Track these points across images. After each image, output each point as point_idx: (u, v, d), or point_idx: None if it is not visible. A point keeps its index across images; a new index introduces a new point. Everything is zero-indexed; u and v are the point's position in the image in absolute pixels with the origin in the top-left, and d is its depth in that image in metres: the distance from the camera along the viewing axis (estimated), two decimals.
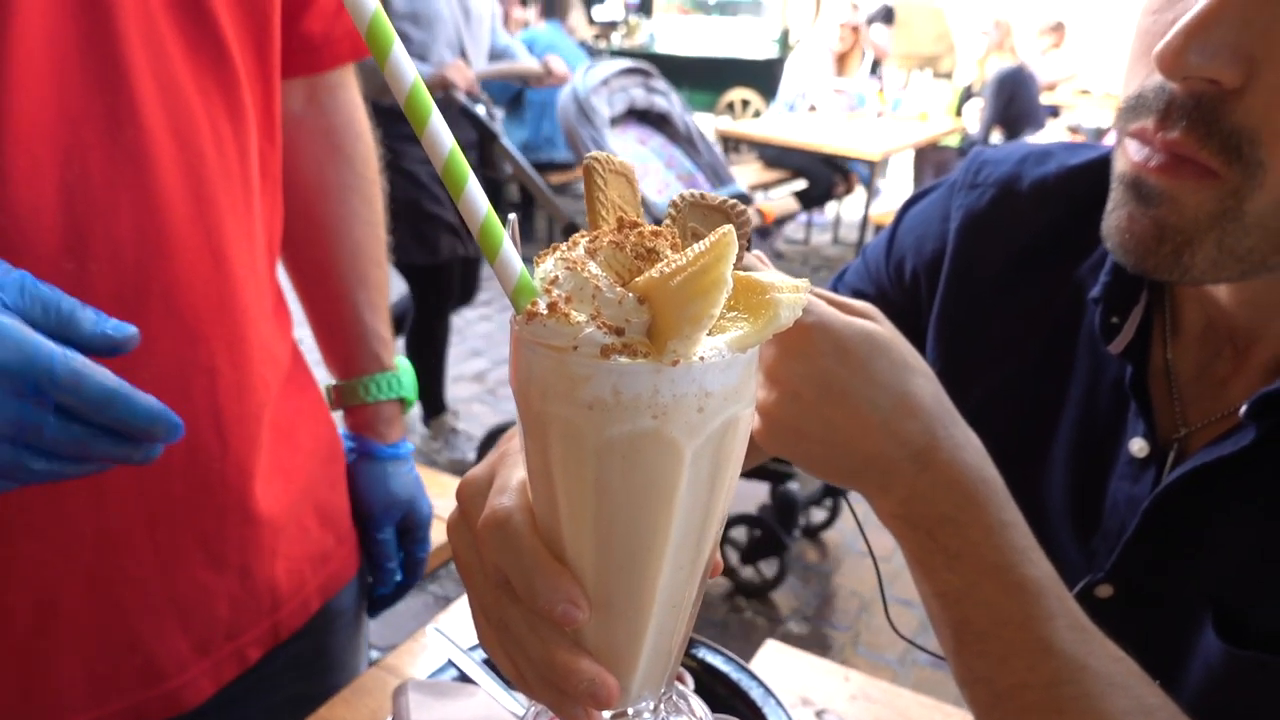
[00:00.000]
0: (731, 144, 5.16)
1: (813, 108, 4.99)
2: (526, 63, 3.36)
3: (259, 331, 0.69)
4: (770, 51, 7.60)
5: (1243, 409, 0.51)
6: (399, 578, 0.94)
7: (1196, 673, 0.54)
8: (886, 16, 5.80)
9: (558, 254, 0.35)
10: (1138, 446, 0.57)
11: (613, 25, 8.47)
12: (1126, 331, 0.56)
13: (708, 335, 0.32)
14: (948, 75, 6.60)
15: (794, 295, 0.33)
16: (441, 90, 2.71)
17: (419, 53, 2.72)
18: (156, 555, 0.65)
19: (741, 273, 0.33)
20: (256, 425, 0.71)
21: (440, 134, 0.33)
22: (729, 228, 0.30)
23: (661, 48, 8.18)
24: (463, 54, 2.82)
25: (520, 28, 5.06)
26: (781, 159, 4.78)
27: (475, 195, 0.35)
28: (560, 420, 0.33)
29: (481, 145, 2.98)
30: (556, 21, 4.89)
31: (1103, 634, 0.47)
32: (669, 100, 3.04)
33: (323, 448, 0.84)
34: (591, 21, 7.29)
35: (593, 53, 5.42)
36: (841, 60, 5.31)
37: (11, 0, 0.48)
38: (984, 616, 0.46)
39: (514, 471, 0.39)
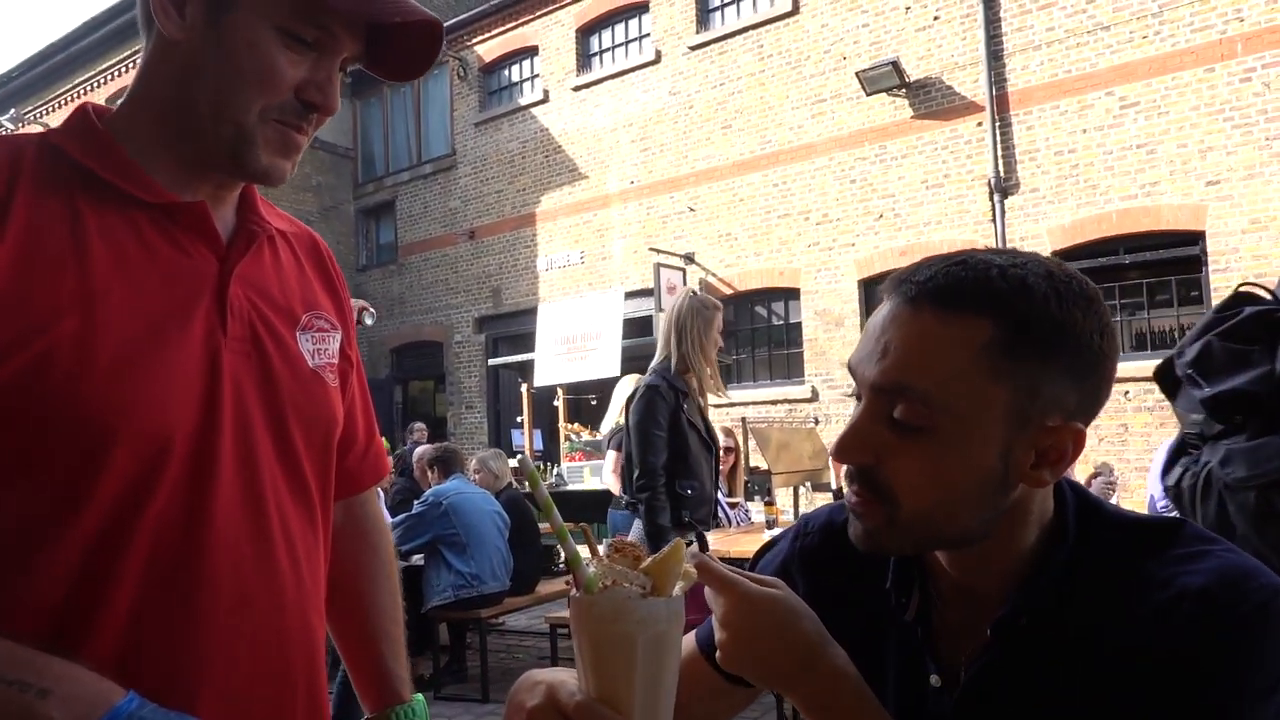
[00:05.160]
0: None
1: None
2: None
3: (320, 665, 0.99)
4: None
5: (988, 631, 0.81)
6: None
7: None
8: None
9: (600, 566, 0.73)
10: (934, 680, 0.86)
11: None
12: (911, 607, 0.88)
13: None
14: (826, 486, 7.41)
15: (692, 567, 0.74)
16: None
17: None
18: None
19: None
20: None
21: (570, 542, 0.74)
22: (680, 542, 0.72)
23: (569, 486, 9.01)
24: None
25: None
26: None
27: (572, 544, 0.74)
28: (623, 634, 0.70)
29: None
30: (459, 475, 5.46)
31: None
32: None
33: None
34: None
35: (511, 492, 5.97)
36: (730, 477, 6.00)
37: (214, 491, 0.86)
38: None
39: (555, 690, 0.72)
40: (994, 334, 0.74)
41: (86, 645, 0.78)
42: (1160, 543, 0.79)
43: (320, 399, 0.98)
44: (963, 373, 0.74)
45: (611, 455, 5.40)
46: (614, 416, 5.67)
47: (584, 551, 0.75)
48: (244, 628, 0.87)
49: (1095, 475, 4.26)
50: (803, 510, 6.79)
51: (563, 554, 0.77)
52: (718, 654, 0.82)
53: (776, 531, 5.27)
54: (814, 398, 10.11)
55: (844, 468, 0.84)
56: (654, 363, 3.41)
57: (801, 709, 0.81)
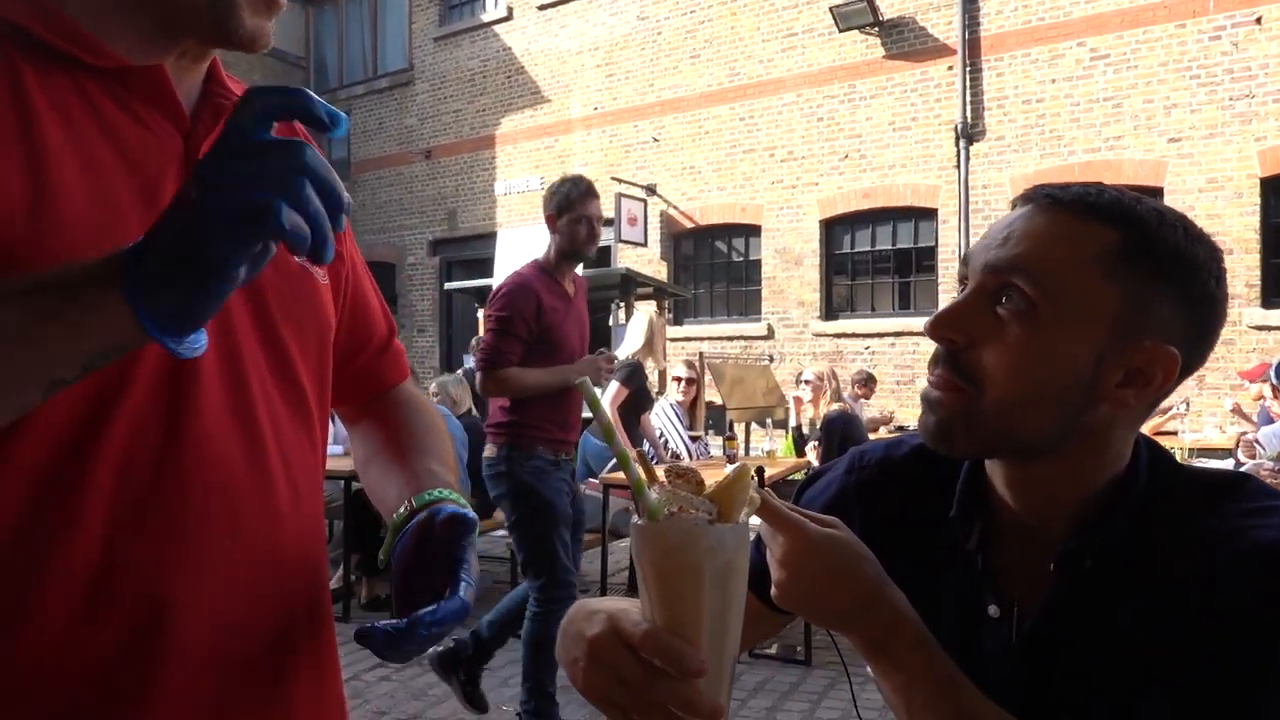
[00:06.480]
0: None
1: (675, 455, 5.59)
2: None
3: (322, 572, 0.92)
4: None
5: (1051, 565, 0.81)
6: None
7: None
8: None
9: (663, 492, 0.69)
10: (992, 610, 0.86)
11: None
12: (973, 537, 0.87)
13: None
14: (781, 422, 7.49)
15: (757, 493, 0.71)
16: None
17: None
18: None
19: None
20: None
21: (633, 467, 0.70)
22: (746, 467, 0.69)
23: None
24: None
25: None
26: None
27: (636, 469, 0.70)
28: (691, 563, 0.67)
29: None
30: None
31: (990, 700, 0.77)
32: None
33: None
34: None
35: None
36: (691, 410, 6.02)
37: (197, 397, 0.77)
38: (919, 697, 0.77)
39: (618, 620, 0.68)
40: (1118, 242, 0.76)
41: (51, 569, 0.70)
42: (1228, 496, 0.79)
43: (310, 297, 0.89)
44: (1080, 265, 0.76)
45: (614, 386, 5.21)
46: (628, 349, 5.35)
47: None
48: (236, 553, 0.79)
49: None
50: (754, 445, 6.89)
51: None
52: (774, 592, 0.81)
53: (734, 467, 5.36)
54: (770, 335, 10.17)
55: (934, 349, 0.83)
56: None
57: (859, 649, 0.81)
